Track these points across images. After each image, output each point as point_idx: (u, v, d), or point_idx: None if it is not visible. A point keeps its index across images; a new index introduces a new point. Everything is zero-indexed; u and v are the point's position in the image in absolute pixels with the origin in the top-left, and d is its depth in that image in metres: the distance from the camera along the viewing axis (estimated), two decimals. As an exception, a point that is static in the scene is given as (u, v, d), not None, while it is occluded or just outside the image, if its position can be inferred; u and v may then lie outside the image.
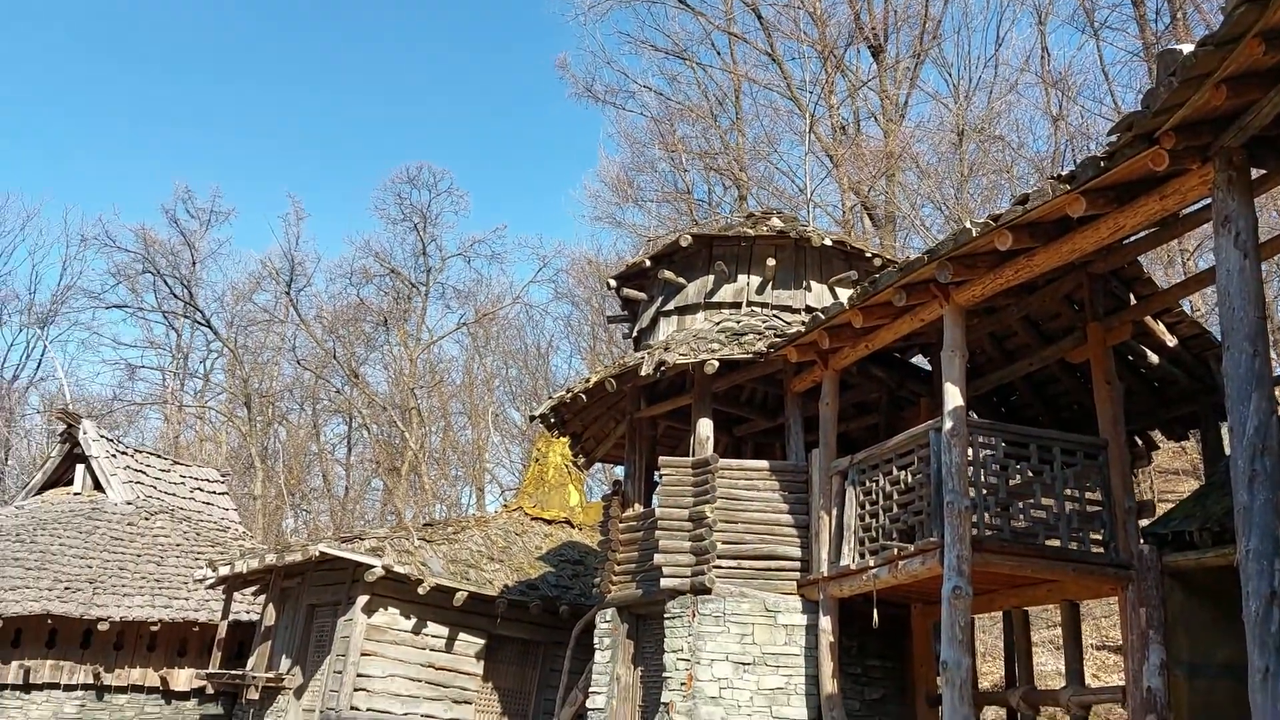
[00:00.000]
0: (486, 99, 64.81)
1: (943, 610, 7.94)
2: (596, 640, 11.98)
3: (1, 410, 35.35)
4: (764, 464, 11.11)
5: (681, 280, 12.63)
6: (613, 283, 13.78)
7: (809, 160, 26.48)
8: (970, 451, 8.49)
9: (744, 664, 10.12)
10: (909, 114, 28.52)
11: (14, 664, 15.82)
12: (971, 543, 8.07)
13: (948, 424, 8.34)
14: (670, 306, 12.70)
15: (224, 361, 40.40)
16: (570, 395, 12.36)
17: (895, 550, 8.92)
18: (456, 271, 53.46)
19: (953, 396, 8.39)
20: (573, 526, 18.51)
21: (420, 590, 13.79)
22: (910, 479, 9.03)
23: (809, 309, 12.02)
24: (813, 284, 12.43)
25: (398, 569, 13.61)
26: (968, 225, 7.89)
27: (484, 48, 64.65)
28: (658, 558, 10.81)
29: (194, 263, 39.55)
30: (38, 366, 38.80)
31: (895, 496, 9.21)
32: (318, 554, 13.81)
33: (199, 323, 39.66)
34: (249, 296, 40.46)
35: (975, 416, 10.68)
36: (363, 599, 13.73)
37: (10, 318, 38.61)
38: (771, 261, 12.23)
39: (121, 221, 49.01)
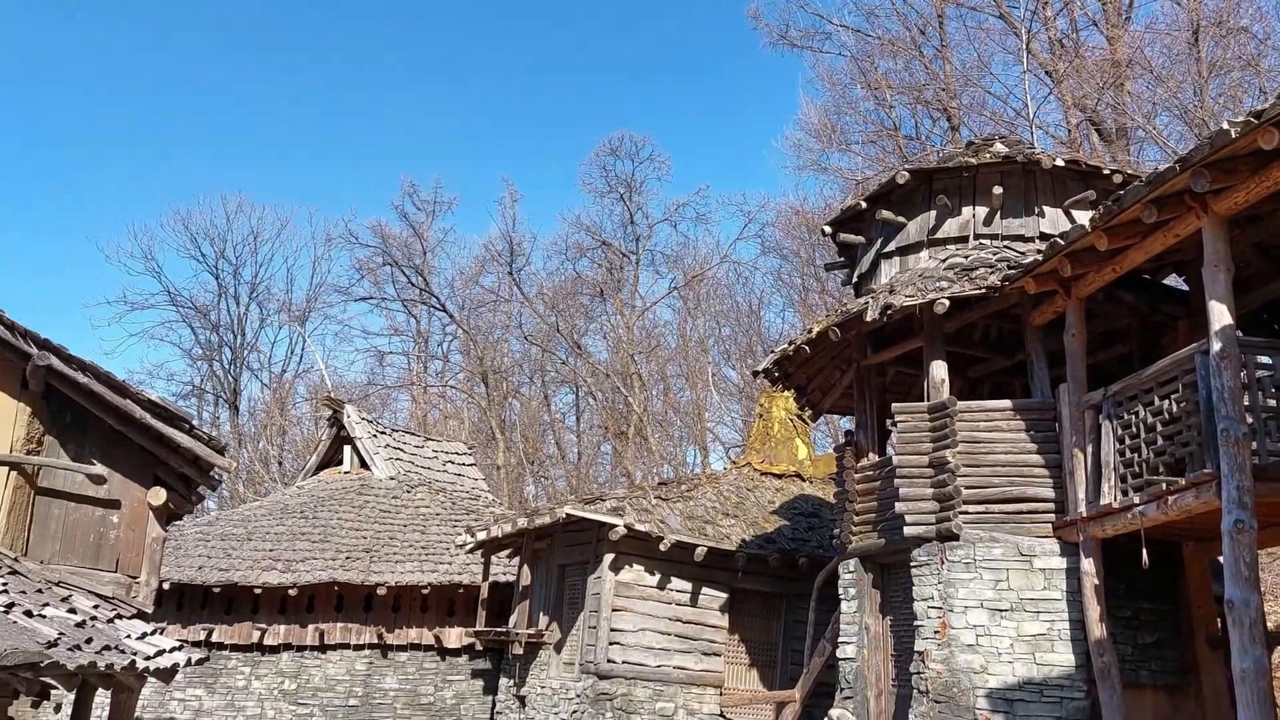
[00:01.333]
0: (681, 61, 64.88)
1: (1224, 546, 7.36)
2: (841, 590, 11.97)
3: (275, 401, 39.32)
4: (1006, 403, 10.65)
5: (901, 219, 12.25)
6: (827, 229, 13.55)
7: (1027, 79, 24.82)
8: (1244, 374, 7.79)
9: (1000, 610, 9.81)
10: (1135, 16, 26.16)
11: (310, 627, 17.67)
12: (1252, 472, 7.43)
13: (1215, 345, 7.68)
14: (891, 247, 12.35)
15: (458, 342, 42.98)
16: (793, 348, 12.31)
17: (1164, 485, 8.33)
18: (664, 237, 54.12)
19: (1219, 315, 7.71)
20: (803, 480, 18.49)
21: (661, 547, 14.24)
22: (1175, 408, 8.39)
23: (1043, 236, 11.37)
24: (1045, 209, 11.72)
25: (639, 527, 14.10)
26: (1224, 126, 7.18)
27: (672, 7, 64.59)
28: (899, 506, 10.64)
29: (424, 252, 42.18)
30: (300, 360, 42.76)
31: (1159, 428, 8.58)
32: (564, 516, 14.53)
33: (435, 308, 42.35)
34: (476, 279, 42.76)
35: (1243, 336, 9.78)
36: (609, 557, 14.34)
37: (272, 317, 42.61)
38: (998, 190, 11.62)
39: (359, 220, 52.58)
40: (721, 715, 14.55)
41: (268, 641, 17.57)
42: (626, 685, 14.08)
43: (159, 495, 9.93)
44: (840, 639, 11.90)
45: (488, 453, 37.84)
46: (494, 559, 17.65)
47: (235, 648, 17.57)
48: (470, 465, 23.91)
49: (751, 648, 15.26)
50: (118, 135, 62.62)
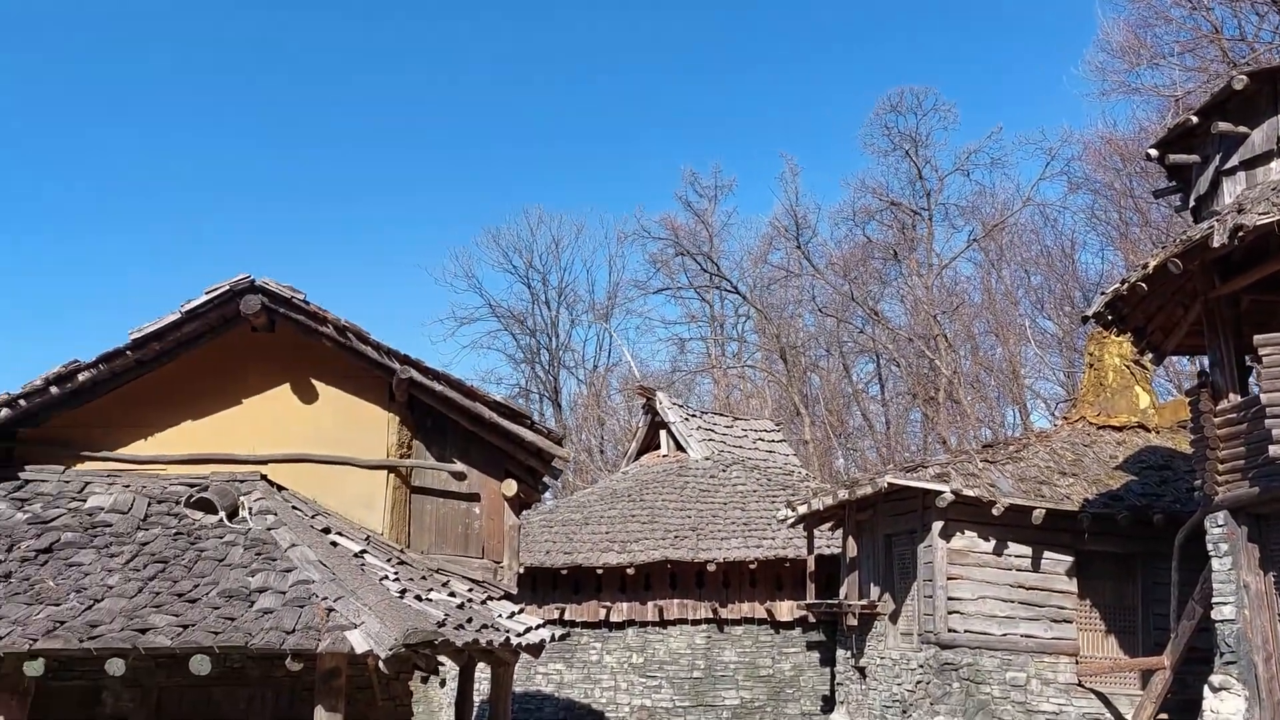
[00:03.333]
0: (957, 2, 61.36)
1: None
2: (1210, 547, 10.86)
3: (592, 394, 41.81)
4: (1403, 322, 9.17)
5: (1242, 129, 10.89)
6: (1153, 152, 12.30)
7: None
8: None
9: None
10: None
11: (649, 604, 18.63)
12: None
13: None
14: (1233, 162, 11.02)
15: (752, 322, 43.41)
16: (1126, 286, 11.33)
17: None
18: (956, 188, 51.28)
19: None
20: (1147, 430, 16.97)
21: (994, 511, 13.62)
22: None
23: None
24: None
25: (967, 493, 13.57)
26: None
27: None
28: (1273, 450, 9.49)
29: (710, 237, 42.95)
30: (610, 354, 45.10)
31: None
32: (886, 485, 14.28)
33: (727, 291, 43.09)
34: (764, 258, 42.97)
35: None
36: (938, 525, 13.92)
37: (580, 317, 45.21)
38: (1365, 78, 10.02)
39: (647, 215, 54.51)
40: (1080, 685, 13.69)
41: (613, 618, 18.71)
42: (971, 655, 13.61)
43: (511, 487, 10.87)
44: (1214, 599, 10.80)
45: (793, 428, 37.91)
46: (816, 532, 17.69)
47: (585, 625, 18.88)
48: (779, 441, 24.12)
49: (1106, 613, 14.22)
50: (430, 163, 69.04)
